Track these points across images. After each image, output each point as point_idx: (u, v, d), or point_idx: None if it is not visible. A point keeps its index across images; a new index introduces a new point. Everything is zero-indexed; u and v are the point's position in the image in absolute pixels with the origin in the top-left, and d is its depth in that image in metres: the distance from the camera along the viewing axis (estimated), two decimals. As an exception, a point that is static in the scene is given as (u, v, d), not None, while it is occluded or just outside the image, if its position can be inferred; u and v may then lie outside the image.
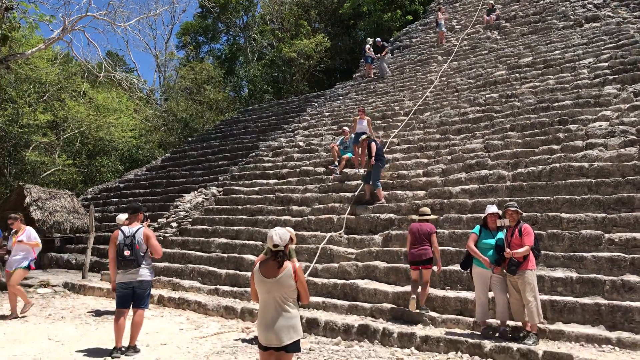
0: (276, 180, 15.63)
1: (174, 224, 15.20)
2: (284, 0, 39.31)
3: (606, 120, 11.56)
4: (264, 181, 15.82)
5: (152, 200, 18.53)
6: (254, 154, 18.54)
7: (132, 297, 7.33)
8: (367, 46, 22.19)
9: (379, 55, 21.54)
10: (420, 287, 8.55)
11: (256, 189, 15.43)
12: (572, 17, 18.07)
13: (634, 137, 10.47)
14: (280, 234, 4.64)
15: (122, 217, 9.37)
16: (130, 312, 7.41)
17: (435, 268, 8.51)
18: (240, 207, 14.71)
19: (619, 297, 7.49)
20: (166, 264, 13.18)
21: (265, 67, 37.97)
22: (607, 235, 8.48)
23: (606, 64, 13.83)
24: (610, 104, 12.13)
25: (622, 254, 8.04)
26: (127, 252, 7.14)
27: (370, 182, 12.16)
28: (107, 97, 27.90)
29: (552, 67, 15.21)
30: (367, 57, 22.08)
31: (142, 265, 7.29)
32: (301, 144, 17.55)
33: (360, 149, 13.60)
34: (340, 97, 21.51)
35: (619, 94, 12.31)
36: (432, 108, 16.08)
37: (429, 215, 8.96)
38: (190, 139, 27.32)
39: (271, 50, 39.16)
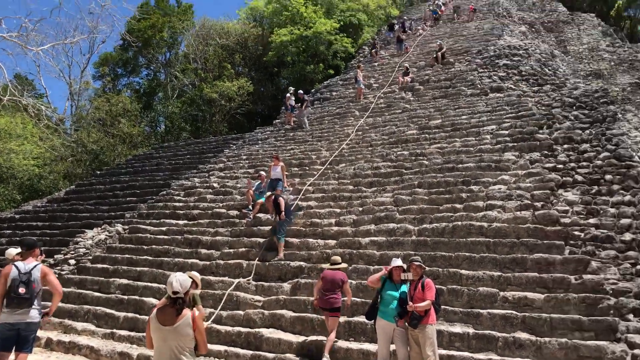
0: (186, 221, 15.23)
1: (72, 261, 14.31)
2: (209, 42, 39.44)
3: (505, 184, 12.41)
4: (173, 221, 15.35)
5: (51, 235, 17.34)
6: (165, 192, 18.01)
7: (15, 340, 6.72)
8: (288, 95, 22.62)
9: (299, 105, 21.89)
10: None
11: (164, 228, 14.93)
12: (479, 86, 19.51)
13: (529, 202, 11.30)
14: (180, 280, 4.50)
15: (13, 251, 8.64)
16: (12, 356, 6.78)
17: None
18: (145, 247, 14.13)
19: (510, 354, 7.87)
20: (59, 304, 12.23)
21: (185, 105, 37.51)
22: (501, 293, 8.97)
23: (507, 132, 14.96)
24: (509, 169, 13.07)
25: (514, 312, 8.52)
26: (22, 290, 6.59)
27: (278, 234, 12.26)
28: (11, 122, 26.19)
29: (459, 130, 16.22)
30: (288, 105, 22.46)
31: (34, 306, 6.76)
32: (215, 185, 17.31)
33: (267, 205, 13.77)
34: (259, 142, 21.60)
35: (517, 161, 13.31)
36: (347, 160, 16.53)
37: (340, 264, 9.19)
38: (98, 172, 26.11)
39: (192, 89, 38.87)
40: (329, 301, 8.67)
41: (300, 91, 22.49)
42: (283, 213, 12.21)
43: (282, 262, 11.66)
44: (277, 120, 24.25)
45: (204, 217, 15.16)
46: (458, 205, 12.02)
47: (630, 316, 8.09)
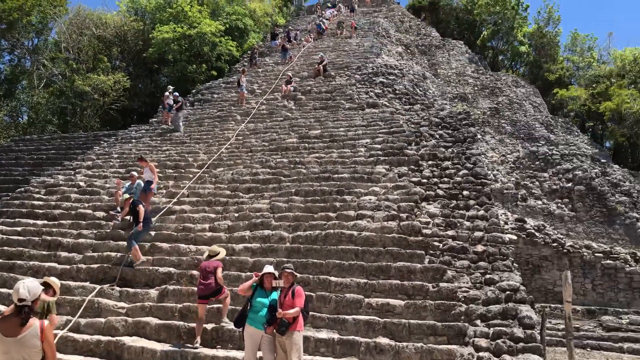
0: (45, 222, 14.08)
1: None
2: (84, 32, 36.96)
3: (375, 195, 13.04)
4: (31, 221, 14.12)
5: None
6: (23, 189, 16.51)
7: None
8: (167, 93, 21.84)
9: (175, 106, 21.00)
10: (202, 324, 9.06)
11: (19, 229, 13.67)
12: (357, 101, 20.33)
13: (395, 213, 11.97)
14: (29, 287, 4.15)
15: None
16: None
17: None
18: (-5, 248, 12.83)
19: (371, 358, 8.26)
20: None
21: (53, 97, 34.72)
22: (366, 300, 9.39)
23: (379, 146, 15.74)
24: (380, 181, 13.76)
25: (377, 318, 8.95)
26: None
27: (129, 239, 11.50)
28: None
29: (336, 142, 16.77)
30: (166, 104, 21.68)
31: None
32: (82, 184, 16.21)
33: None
34: (133, 140, 20.61)
35: (387, 174, 14.05)
36: (225, 164, 16.34)
37: (219, 254, 9.57)
38: (-56, 164, 23.26)
39: (62, 79, 36.12)
40: (205, 289, 9.02)
41: (176, 93, 21.59)
42: (141, 224, 11.41)
43: (151, 268, 11.21)
44: (153, 119, 23.31)
45: (67, 217, 14.12)
46: (332, 214, 12.41)
47: (478, 322, 8.86)
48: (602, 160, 28.26)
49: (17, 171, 19.34)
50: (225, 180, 15.25)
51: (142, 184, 13.43)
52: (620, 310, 18.42)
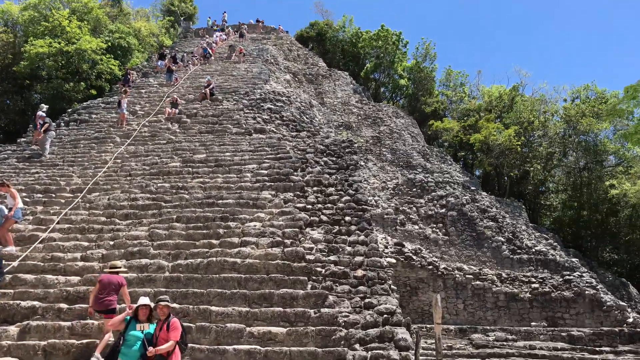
0: None
1: None
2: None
3: (260, 222, 12.99)
4: None
5: None
6: None
7: None
8: (40, 113, 20.26)
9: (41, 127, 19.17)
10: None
11: None
12: (244, 126, 20.27)
13: (280, 239, 12.00)
14: None
15: None
16: None
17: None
18: None
19: (251, 388, 8.09)
20: None
21: None
22: (248, 329, 9.24)
23: (266, 172, 15.77)
24: (265, 207, 13.75)
25: (258, 347, 8.84)
26: None
27: None
28: None
29: (222, 166, 16.54)
30: (38, 123, 20.06)
31: None
32: None
33: None
34: (-3, 162, 18.80)
35: (272, 199, 14.08)
36: (102, 189, 15.43)
37: (120, 268, 9.41)
38: None
39: None
40: (104, 303, 8.78)
41: (42, 112, 19.88)
42: None
43: (11, 302, 10.17)
44: (22, 139, 21.47)
45: None
46: (214, 241, 12.14)
47: (357, 345, 9.05)
48: (472, 188, 30.59)
49: None
50: (101, 206, 14.37)
51: (4, 211, 12.21)
52: (488, 327, 19.81)
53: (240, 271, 10.97)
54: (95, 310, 8.92)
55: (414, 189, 28.27)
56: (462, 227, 25.75)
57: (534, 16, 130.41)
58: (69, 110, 25.14)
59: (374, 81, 53.04)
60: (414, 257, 21.99)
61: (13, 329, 9.62)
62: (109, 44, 34.14)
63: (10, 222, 12.10)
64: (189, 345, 8.37)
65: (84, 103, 26.11)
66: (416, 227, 25.19)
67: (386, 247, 21.80)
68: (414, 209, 26.49)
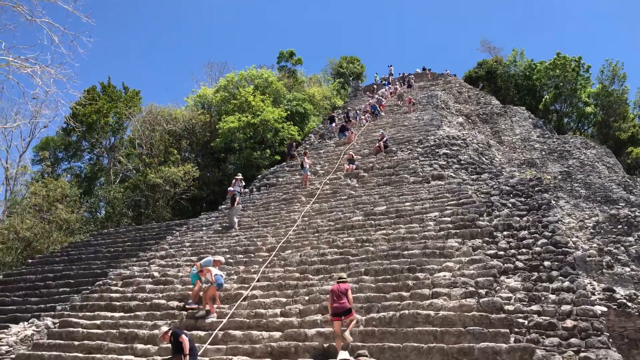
0: (122, 314, 14.35)
1: (-9, 361, 13.04)
2: (155, 128, 39.45)
3: (450, 271, 12.49)
4: (109, 314, 14.44)
5: (-31, 331, 15.89)
6: (101, 282, 17.07)
7: None
8: (234, 181, 22.49)
9: (230, 201, 20.64)
10: (342, 339, 10.23)
11: (98, 322, 13.97)
12: (421, 174, 20.13)
13: (473, 289, 11.35)
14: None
15: None
16: None
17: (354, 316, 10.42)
18: (76, 342, 13.10)
19: None
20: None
21: (128, 190, 36.68)
22: (451, 386, 8.72)
23: (449, 219, 15.29)
24: (453, 256, 13.22)
25: (464, 406, 8.25)
26: None
27: None
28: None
29: (403, 217, 16.47)
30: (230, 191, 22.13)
31: None
32: (156, 274, 16.58)
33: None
34: (204, 228, 21.15)
35: (460, 247, 13.51)
36: (293, 246, 16.33)
37: (346, 279, 11.29)
38: (30, 260, 24.64)
39: (136, 174, 38.24)
40: (341, 306, 10.42)
41: (231, 188, 21.61)
42: (187, 357, 10.03)
43: (224, 357, 11.03)
44: (222, 206, 23.95)
45: (142, 308, 14.34)
46: (405, 293, 11.92)
47: (579, 407, 7.99)
48: (694, 219, 26.11)
49: (96, 264, 20.11)
50: (294, 263, 15.16)
51: (220, 279, 13.35)
52: None
53: (435, 324, 10.55)
54: (334, 315, 10.41)
55: (619, 226, 25.03)
56: (687, 267, 21.94)
57: None
58: (259, 176, 27.51)
59: (554, 113, 49.48)
60: (630, 304, 19.17)
61: (228, 383, 10.36)
62: (288, 112, 37.07)
63: (212, 289, 13.15)
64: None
65: (271, 168, 28.40)
66: (627, 269, 22.10)
67: (593, 294, 19.40)
68: (622, 248, 23.37)
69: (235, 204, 20.20)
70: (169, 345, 10.49)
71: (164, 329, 10.65)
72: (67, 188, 34.94)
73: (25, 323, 14.88)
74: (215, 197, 36.80)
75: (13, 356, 13.21)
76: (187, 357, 10.00)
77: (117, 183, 39.19)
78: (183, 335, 10.21)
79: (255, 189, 24.71)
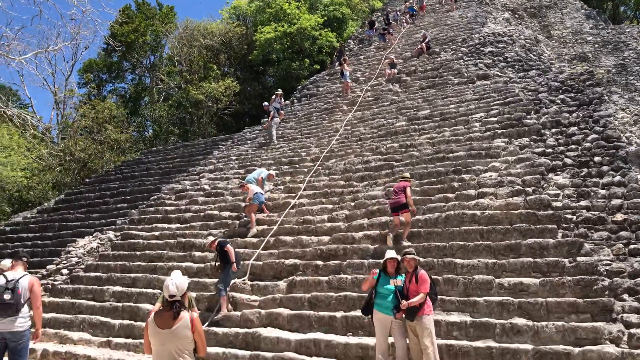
0: (178, 225, 15.13)
1: (65, 271, 14.17)
2: (192, 44, 39.19)
3: (496, 171, 12.41)
4: (166, 225, 15.26)
5: (42, 246, 17.17)
6: (155, 197, 17.90)
7: (3, 351, 6.66)
8: (274, 97, 22.37)
9: (268, 116, 20.55)
10: (399, 230, 11.05)
11: (157, 233, 14.82)
12: (465, 75, 19.49)
13: (520, 188, 11.31)
14: (177, 284, 4.46)
15: (7, 262, 8.59)
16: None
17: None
18: (138, 252, 14.03)
19: (508, 340, 7.88)
20: (54, 314, 12.18)
21: (172, 108, 37.29)
22: (497, 280, 8.96)
23: (495, 119, 14.96)
24: (499, 156, 13.07)
25: (510, 298, 8.52)
26: (7, 296, 6.60)
27: (218, 287, 10.64)
28: (-3, 134, 25.95)
29: (447, 120, 16.21)
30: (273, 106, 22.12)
31: (20, 315, 6.73)
32: (206, 187, 17.21)
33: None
34: (248, 142, 21.51)
35: (506, 147, 13.32)
36: (337, 155, 16.48)
37: (408, 177, 11.64)
38: (87, 180, 25.88)
39: (178, 91, 38.63)
40: (397, 201, 10.89)
41: (266, 103, 21.48)
42: (234, 264, 10.61)
43: (277, 261, 11.61)
44: (264, 119, 24.11)
45: (197, 219, 15.06)
46: (450, 195, 12.00)
47: (625, 296, 8.10)
48: None
49: (149, 181, 20.96)
50: (339, 171, 15.37)
51: (260, 197, 13.71)
52: None
53: (481, 223, 10.66)
54: (392, 210, 11.06)
55: (677, 118, 23.87)
56: None
57: None
58: (299, 87, 27.31)
59: (609, 1, 46.01)
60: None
61: (282, 284, 10.99)
62: (325, 17, 35.90)
63: (254, 206, 13.48)
64: (439, 297, 8.47)
65: (311, 78, 28.08)
66: (684, 162, 21.33)
67: (646, 188, 18.96)
68: (679, 141, 22.43)
69: (271, 119, 20.20)
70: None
71: (211, 238, 11.26)
72: (114, 109, 35.83)
73: (90, 237, 15.92)
74: (257, 111, 36.98)
75: (83, 266, 14.31)
76: (234, 264, 10.60)
77: (161, 102, 39.83)
78: (228, 245, 10.80)
79: (296, 100, 24.65)
